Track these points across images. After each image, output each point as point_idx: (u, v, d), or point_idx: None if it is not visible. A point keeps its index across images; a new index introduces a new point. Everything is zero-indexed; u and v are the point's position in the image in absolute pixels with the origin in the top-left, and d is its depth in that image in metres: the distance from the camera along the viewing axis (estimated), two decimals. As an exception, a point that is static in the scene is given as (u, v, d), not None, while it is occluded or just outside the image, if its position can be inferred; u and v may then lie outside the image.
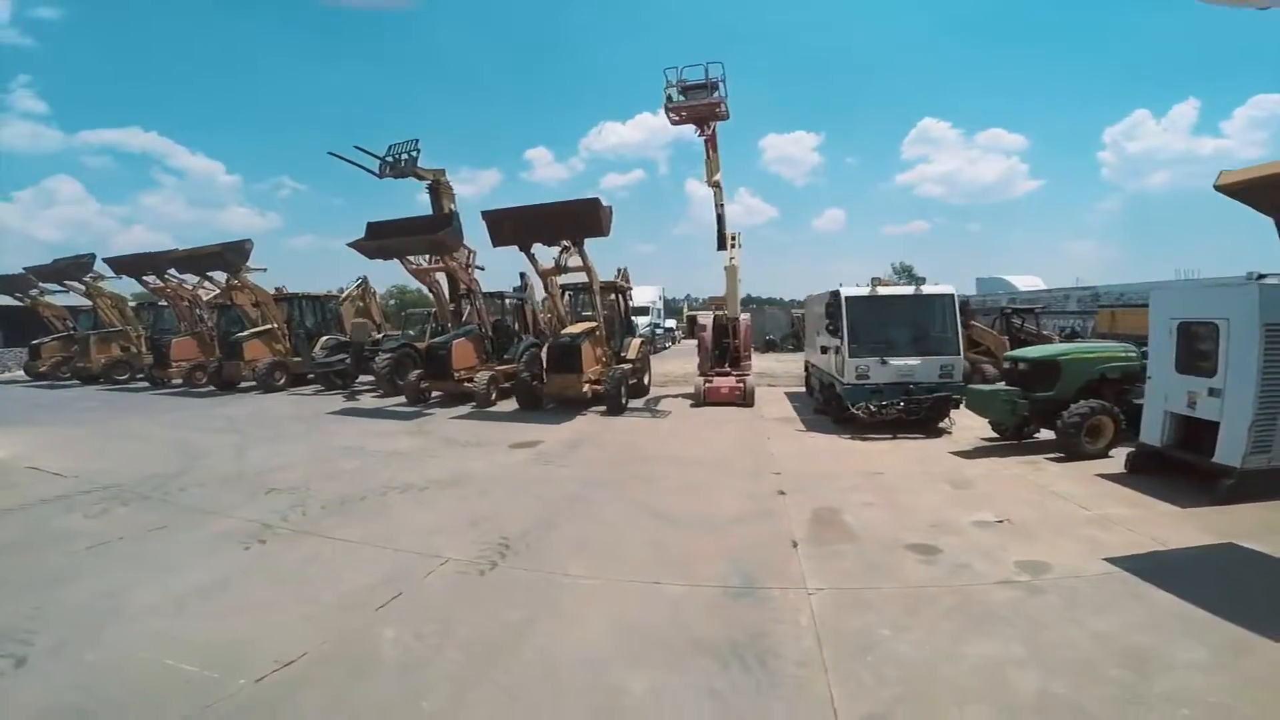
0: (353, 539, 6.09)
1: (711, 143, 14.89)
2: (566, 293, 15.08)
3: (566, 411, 13.27)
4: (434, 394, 15.23)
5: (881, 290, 11.19)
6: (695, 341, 16.24)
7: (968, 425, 10.86)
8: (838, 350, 11.01)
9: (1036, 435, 9.72)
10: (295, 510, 6.99)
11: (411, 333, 19.75)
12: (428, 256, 15.19)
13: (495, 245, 12.58)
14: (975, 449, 9.56)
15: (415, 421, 12.69)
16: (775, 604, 4.67)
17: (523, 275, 19.11)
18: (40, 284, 20.56)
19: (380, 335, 20.10)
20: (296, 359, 18.71)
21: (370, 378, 17.43)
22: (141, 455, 9.90)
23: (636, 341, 14.92)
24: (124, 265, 18.20)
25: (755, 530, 6.31)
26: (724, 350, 14.60)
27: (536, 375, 13.80)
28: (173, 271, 18.26)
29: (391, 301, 48.13)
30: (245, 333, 18.37)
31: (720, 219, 15.42)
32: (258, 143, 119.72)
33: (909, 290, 11.28)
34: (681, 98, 14.20)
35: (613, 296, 16.07)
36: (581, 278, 13.95)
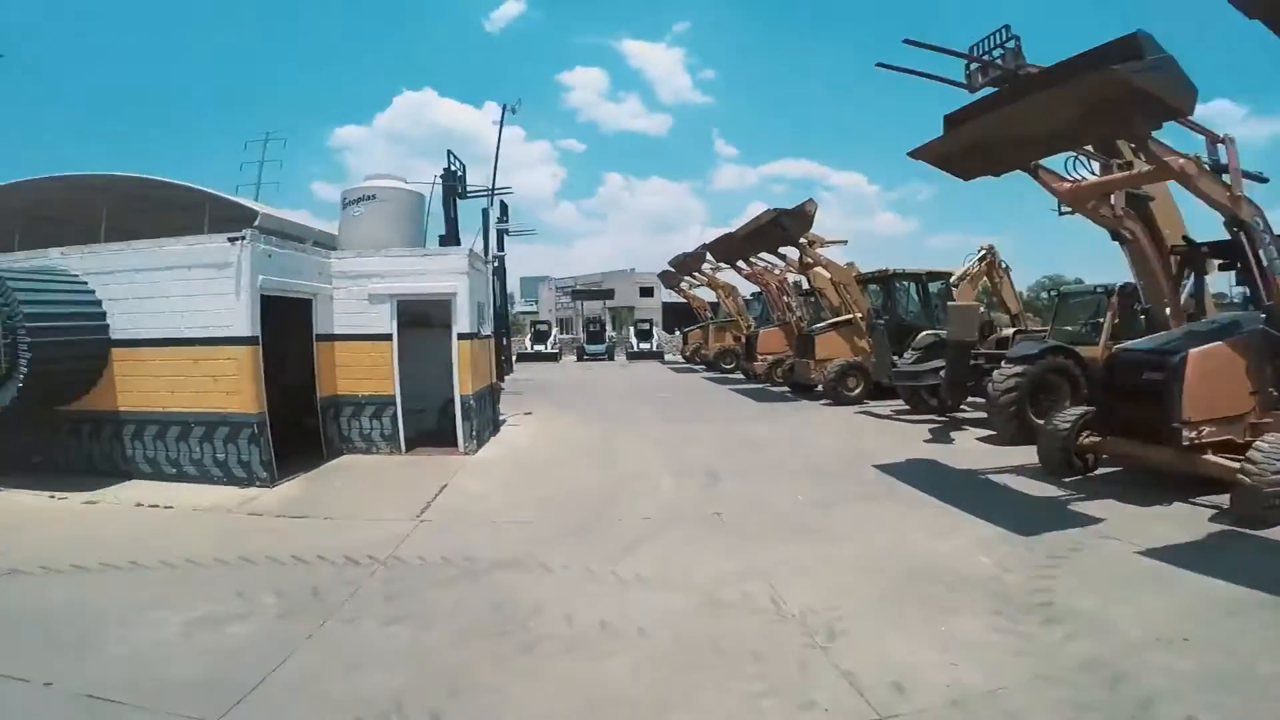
0: None
1: None
2: None
3: None
4: (1100, 459, 6.41)
5: None
6: None
7: None
8: None
9: None
10: None
11: (1070, 328, 10.43)
12: (1081, 159, 6.31)
13: None
14: None
15: (1043, 544, 4.54)
16: None
17: None
18: (684, 276, 21.78)
19: (1012, 332, 11.75)
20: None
21: (982, 400, 9.69)
22: (552, 502, 6.05)
23: None
24: (715, 251, 16.45)
25: None
26: None
27: None
28: (764, 256, 15.23)
29: (1043, 295, 33.37)
30: (820, 325, 13.62)
31: None
32: (884, 152, 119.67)
33: None
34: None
35: None
36: None
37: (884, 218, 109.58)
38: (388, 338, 8.00)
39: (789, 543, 4.73)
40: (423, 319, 8.68)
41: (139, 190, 10.42)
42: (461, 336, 8.08)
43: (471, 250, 8.28)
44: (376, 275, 7.99)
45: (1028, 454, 7.09)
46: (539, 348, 28.98)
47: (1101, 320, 9.07)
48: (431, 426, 8.99)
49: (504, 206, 19.60)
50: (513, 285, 56.18)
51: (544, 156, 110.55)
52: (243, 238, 6.69)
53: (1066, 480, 6.31)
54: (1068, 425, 6.33)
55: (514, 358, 23.58)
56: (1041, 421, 7.86)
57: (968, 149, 6.06)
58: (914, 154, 6.40)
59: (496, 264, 18.01)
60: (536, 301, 49.79)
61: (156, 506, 6.03)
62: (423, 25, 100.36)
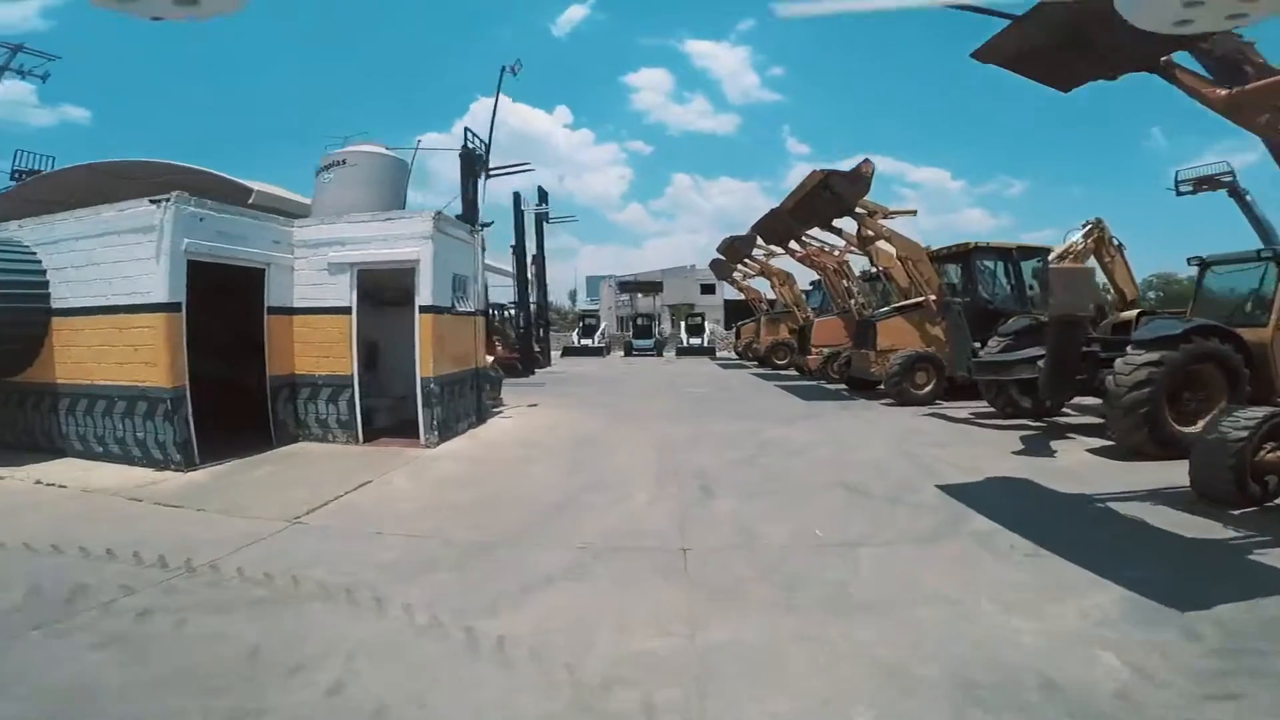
0: None
1: None
2: None
3: None
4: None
5: None
6: None
7: None
8: None
9: None
10: None
11: (1218, 309, 7.73)
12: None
13: None
14: None
15: (1217, 625, 2.58)
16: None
17: None
18: (735, 265, 19.68)
19: (1136, 313, 9.14)
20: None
21: (1098, 402, 7.35)
22: (477, 512, 4.62)
23: None
24: (763, 231, 14.30)
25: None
26: None
27: None
28: (816, 233, 13.09)
29: (1149, 294, 27.25)
30: (884, 309, 11.40)
31: None
32: (968, 146, 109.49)
33: None
34: None
35: None
36: None
37: (971, 214, 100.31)
38: (346, 311, 6.89)
39: (770, 607, 2.97)
40: (406, 296, 7.56)
41: (165, 176, 10.18)
42: (424, 309, 6.83)
43: (439, 213, 7.00)
44: (338, 243, 6.92)
45: (1162, 473, 4.93)
46: (585, 342, 28.67)
47: (1269, 295, 6.54)
48: (411, 415, 7.84)
49: (543, 192, 18.57)
50: (578, 284, 56.10)
51: (612, 159, 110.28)
52: (167, 199, 5.81)
53: (1235, 513, 4.14)
54: (1244, 432, 4.12)
55: (555, 351, 22.93)
56: (1189, 430, 5.62)
57: (1056, 39, 3.99)
58: (980, 54, 4.42)
59: (501, 240, 16.89)
60: (600, 299, 49.39)
61: (52, 485, 5.26)
62: (493, 33, 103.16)
